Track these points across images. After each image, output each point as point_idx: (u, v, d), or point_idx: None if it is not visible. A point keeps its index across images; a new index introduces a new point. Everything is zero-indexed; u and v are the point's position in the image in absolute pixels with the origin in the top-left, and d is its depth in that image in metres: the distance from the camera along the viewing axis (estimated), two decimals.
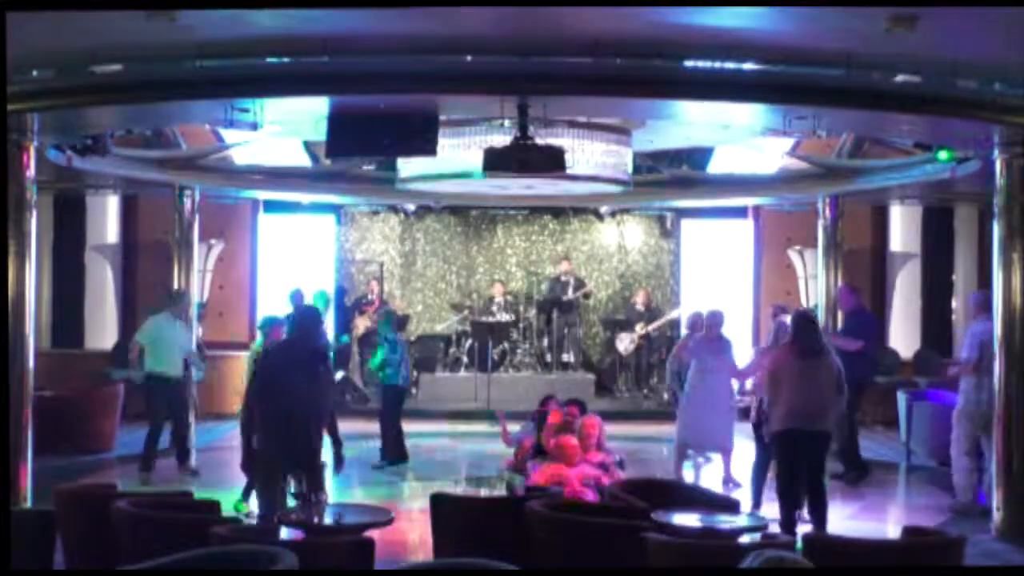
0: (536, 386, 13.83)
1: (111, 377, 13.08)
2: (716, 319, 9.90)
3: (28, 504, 8.17)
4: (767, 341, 9.32)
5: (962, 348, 9.08)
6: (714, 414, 9.71)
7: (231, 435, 11.26)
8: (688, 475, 10.22)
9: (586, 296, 15.66)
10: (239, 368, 12.18)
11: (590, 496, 7.51)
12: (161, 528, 5.85)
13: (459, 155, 10.09)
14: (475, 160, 9.11)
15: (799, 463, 7.67)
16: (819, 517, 7.63)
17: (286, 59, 7.04)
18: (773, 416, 7.65)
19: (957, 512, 8.80)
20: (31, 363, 8.44)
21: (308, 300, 12.02)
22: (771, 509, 8.02)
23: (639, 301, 15.36)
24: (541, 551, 5.98)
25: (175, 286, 12.18)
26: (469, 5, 5.98)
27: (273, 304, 13.46)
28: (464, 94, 7.91)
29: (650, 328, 15.00)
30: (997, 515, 8.30)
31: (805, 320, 7.96)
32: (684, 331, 11.08)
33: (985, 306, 9.00)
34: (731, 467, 9.90)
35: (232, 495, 8.27)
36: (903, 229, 15.17)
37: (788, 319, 8.88)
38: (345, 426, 12.52)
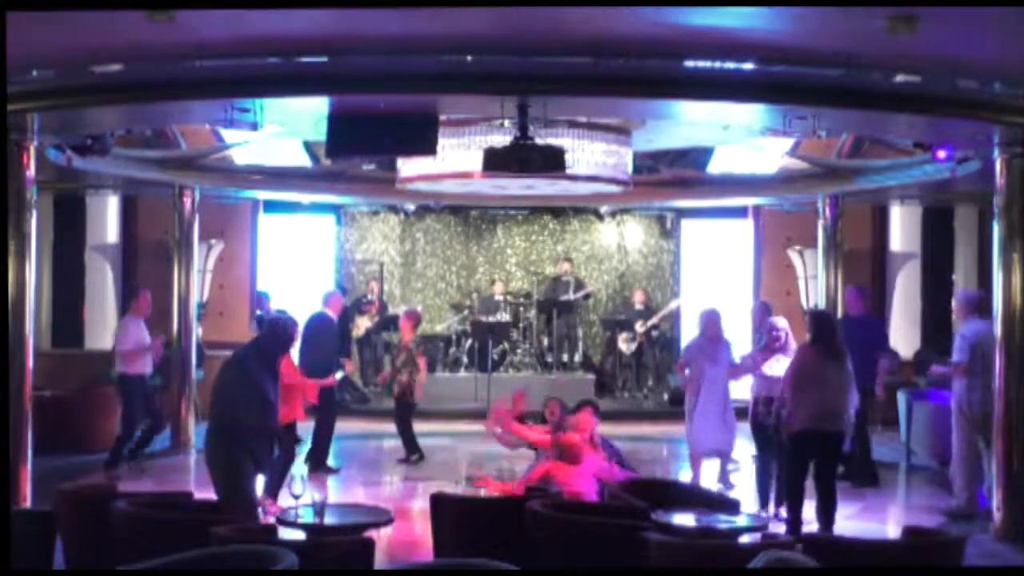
0: (536, 386, 13.83)
1: (111, 377, 13.07)
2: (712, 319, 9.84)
3: (28, 504, 8.17)
4: (757, 342, 9.24)
5: (954, 350, 9.05)
6: (719, 417, 9.67)
7: None
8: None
9: (586, 297, 15.68)
10: None
11: (592, 495, 7.52)
12: (161, 528, 5.85)
13: (459, 155, 10.09)
14: (475, 160, 9.12)
15: (810, 463, 7.70)
16: (828, 517, 7.64)
17: (286, 59, 7.04)
18: (797, 416, 7.65)
19: (952, 515, 8.76)
20: (31, 363, 8.45)
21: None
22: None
23: (638, 300, 15.38)
24: (541, 551, 5.98)
25: (175, 286, 12.21)
26: (469, 5, 5.98)
27: (274, 304, 13.47)
28: (464, 94, 7.91)
29: (651, 323, 15.02)
30: (997, 515, 8.30)
31: (826, 321, 7.99)
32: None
33: (973, 306, 8.99)
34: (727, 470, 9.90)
35: None
36: (903, 229, 15.16)
37: (777, 320, 8.90)
38: (345, 426, 12.61)
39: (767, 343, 8.74)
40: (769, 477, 8.70)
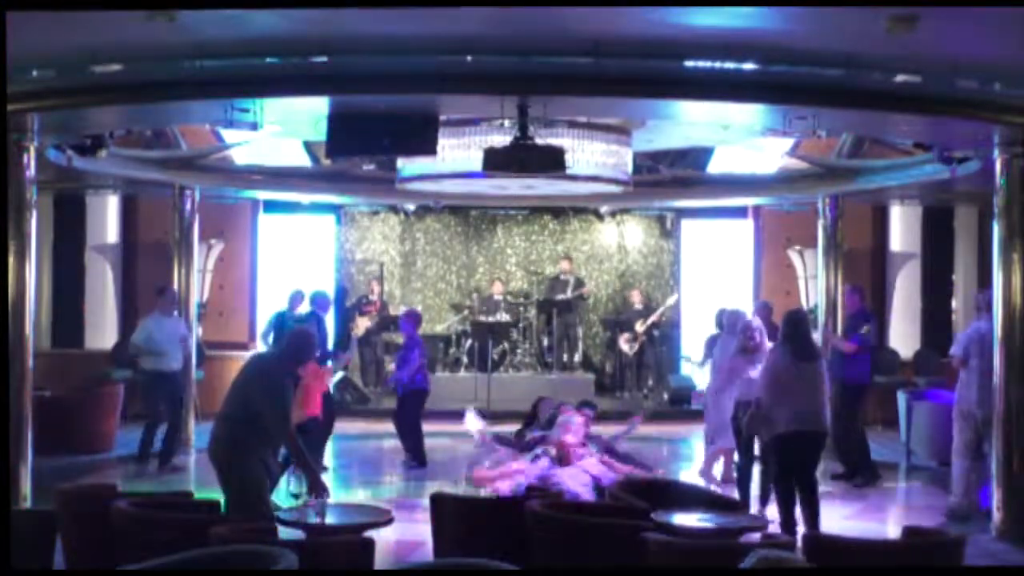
0: (536, 386, 13.84)
1: (111, 377, 13.08)
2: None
3: (28, 504, 8.17)
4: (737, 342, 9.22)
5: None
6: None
7: None
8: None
9: (583, 297, 15.65)
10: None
11: (587, 496, 7.54)
12: (161, 528, 5.85)
13: (459, 155, 10.08)
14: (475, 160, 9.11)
15: (796, 464, 7.70)
16: (812, 515, 7.63)
17: (286, 59, 7.04)
18: (775, 419, 7.65)
19: (952, 516, 8.75)
20: (31, 363, 8.44)
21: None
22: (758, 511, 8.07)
23: (635, 300, 15.35)
24: (541, 551, 5.98)
25: (173, 285, 12.23)
26: (469, 5, 5.98)
27: (274, 304, 13.48)
28: (464, 94, 7.91)
29: (651, 321, 15.01)
30: (997, 515, 8.30)
31: (795, 321, 7.95)
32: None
33: (984, 305, 9.01)
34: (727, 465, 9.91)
35: None
36: (903, 229, 15.17)
37: (753, 320, 8.88)
38: (345, 426, 12.62)
39: (742, 344, 8.70)
40: (750, 479, 8.69)
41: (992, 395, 8.56)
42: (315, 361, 9.90)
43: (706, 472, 10.08)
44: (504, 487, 8.18)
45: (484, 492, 8.49)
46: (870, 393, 11.06)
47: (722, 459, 9.99)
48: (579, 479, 7.70)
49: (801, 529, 7.45)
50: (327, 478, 10.26)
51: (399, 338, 13.86)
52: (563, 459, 7.86)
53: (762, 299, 13.57)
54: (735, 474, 9.46)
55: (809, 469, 7.74)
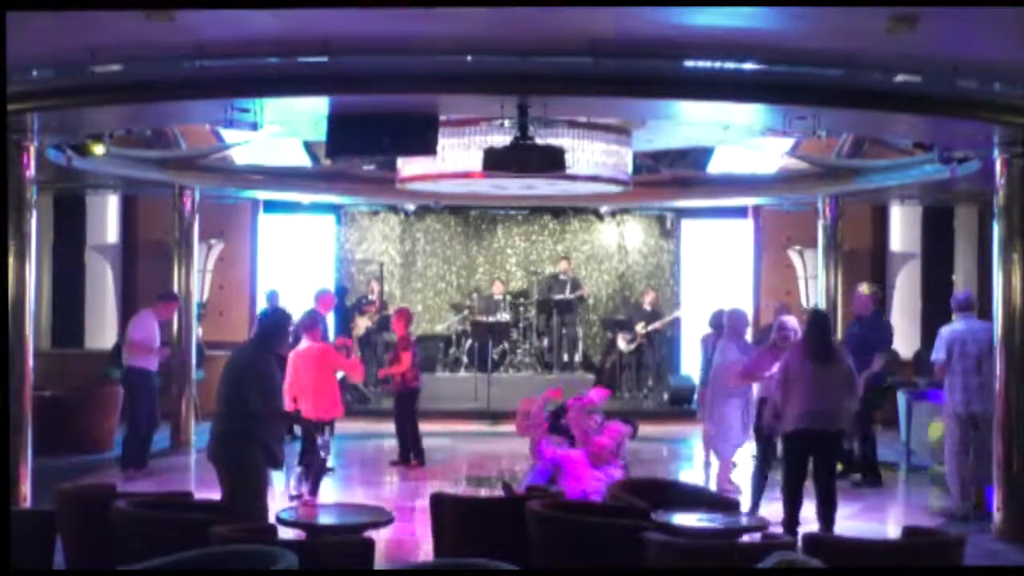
0: (536, 386, 13.81)
1: (111, 377, 13.08)
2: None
3: (28, 504, 8.17)
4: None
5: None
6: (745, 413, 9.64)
7: None
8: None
9: (580, 299, 15.63)
10: None
11: (595, 497, 7.54)
12: (161, 528, 5.86)
13: (459, 155, 10.09)
14: (475, 160, 9.12)
15: (807, 464, 7.69)
16: (828, 518, 7.61)
17: (286, 59, 7.04)
18: (785, 417, 7.65)
19: (951, 517, 8.74)
20: (31, 363, 8.45)
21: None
22: (768, 511, 8.04)
23: (647, 301, 15.28)
24: (541, 551, 5.99)
25: (175, 286, 12.25)
26: (469, 5, 5.98)
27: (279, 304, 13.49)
28: (464, 94, 7.91)
29: (651, 328, 14.99)
30: (997, 515, 8.30)
31: (817, 322, 7.93)
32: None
33: (960, 306, 9.00)
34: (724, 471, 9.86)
35: None
36: (903, 229, 15.16)
37: (788, 319, 8.87)
38: (345, 426, 12.62)
39: (774, 342, 8.68)
40: (764, 480, 8.67)
41: (979, 393, 8.57)
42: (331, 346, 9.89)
43: (721, 483, 9.95)
44: (531, 429, 8.16)
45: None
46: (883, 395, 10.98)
47: (724, 463, 9.95)
48: (599, 483, 7.70)
49: (803, 529, 7.44)
50: (330, 478, 10.30)
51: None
52: (596, 460, 7.89)
53: (780, 301, 13.38)
54: (732, 476, 9.48)
55: (820, 469, 7.70)
